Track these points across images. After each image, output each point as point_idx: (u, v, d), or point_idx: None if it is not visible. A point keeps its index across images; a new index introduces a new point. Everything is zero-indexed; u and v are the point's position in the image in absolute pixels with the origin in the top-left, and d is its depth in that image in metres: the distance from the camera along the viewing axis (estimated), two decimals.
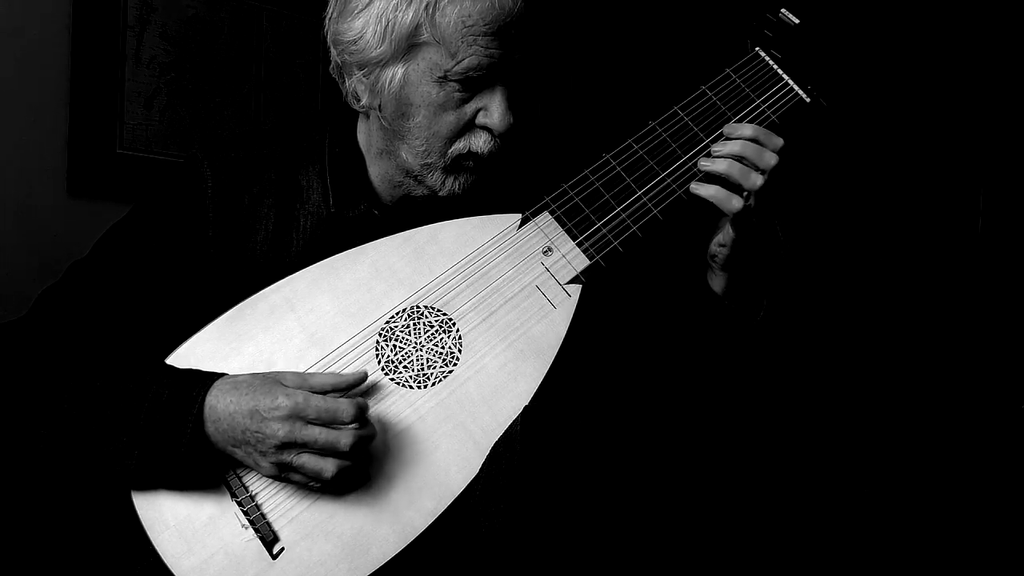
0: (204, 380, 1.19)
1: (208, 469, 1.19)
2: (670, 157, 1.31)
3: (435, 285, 1.27)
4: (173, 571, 1.17)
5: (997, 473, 2.51)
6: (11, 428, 1.23)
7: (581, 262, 1.29)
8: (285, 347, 1.24)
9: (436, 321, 1.26)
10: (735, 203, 1.24)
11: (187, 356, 1.24)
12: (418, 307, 1.27)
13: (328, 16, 1.32)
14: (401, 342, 1.25)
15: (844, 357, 2.63)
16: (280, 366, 1.23)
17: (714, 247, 1.31)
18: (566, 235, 1.29)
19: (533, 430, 1.21)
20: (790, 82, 1.35)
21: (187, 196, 1.34)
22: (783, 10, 1.36)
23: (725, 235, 1.29)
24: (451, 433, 1.21)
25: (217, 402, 1.17)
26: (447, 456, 1.20)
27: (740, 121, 1.32)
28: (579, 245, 1.29)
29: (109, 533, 1.27)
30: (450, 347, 1.25)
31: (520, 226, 1.31)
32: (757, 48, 1.37)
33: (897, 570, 2.47)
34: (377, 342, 1.25)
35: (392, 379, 1.23)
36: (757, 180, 1.24)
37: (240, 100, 2.30)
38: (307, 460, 1.15)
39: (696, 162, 1.29)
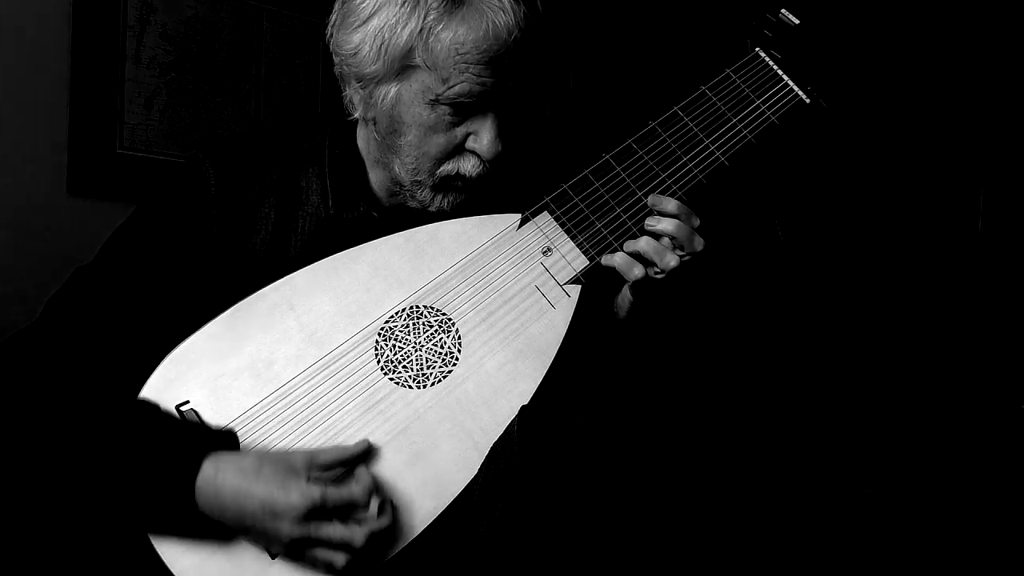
0: (196, 460, 1.14)
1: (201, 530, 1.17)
2: (669, 158, 1.31)
3: (434, 285, 1.28)
4: (172, 570, 1.17)
5: (997, 473, 2.51)
6: (19, 439, 1.22)
7: (580, 262, 1.29)
8: (284, 347, 1.24)
9: (435, 321, 1.26)
10: (636, 272, 1.26)
11: (186, 355, 1.24)
12: (417, 307, 1.27)
13: (331, 23, 1.32)
14: (400, 342, 1.25)
15: (844, 357, 2.63)
16: (279, 365, 1.23)
17: (618, 300, 1.33)
18: (565, 235, 1.30)
19: (532, 430, 1.21)
20: (790, 83, 1.35)
21: (191, 197, 1.34)
22: (783, 10, 1.36)
23: (623, 298, 1.31)
24: (450, 433, 1.21)
25: (222, 490, 1.13)
26: (446, 456, 1.20)
27: (741, 122, 1.33)
28: (579, 245, 1.29)
29: (109, 532, 1.27)
30: (449, 347, 1.25)
31: (520, 226, 1.31)
32: (757, 48, 1.37)
33: (897, 570, 2.46)
34: (376, 342, 1.25)
35: (391, 379, 1.23)
36: (671, 261, 1.24)
37: (240, 100, 2.30)
38: (320, 553, 1.13)
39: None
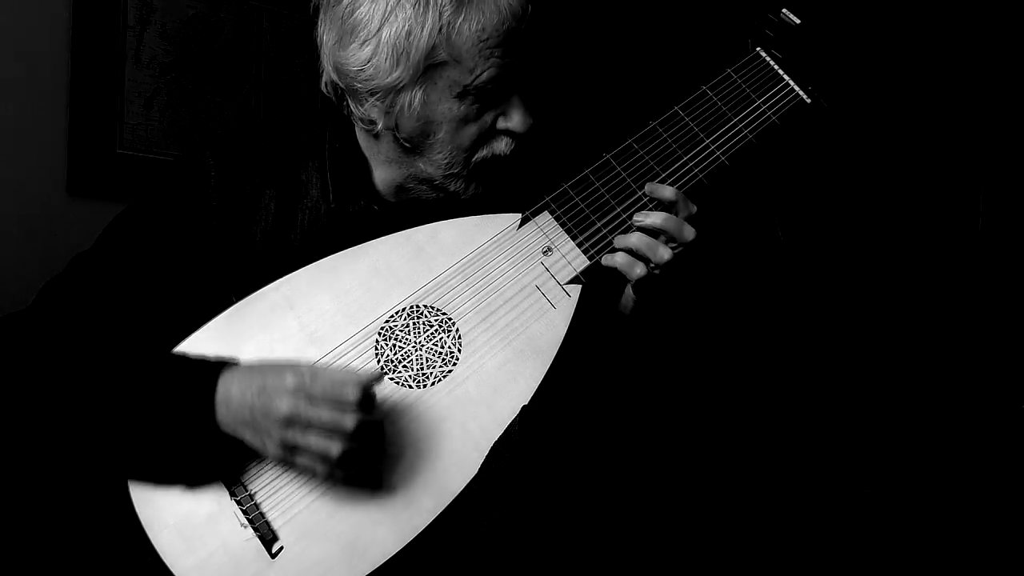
0: (219, 365, 1.20)
1: (221, 459, 1.19)
2: (670, 157, 1.31)
3: (435, 284, 1.27)
4: (172, 570, 1.17)
5: (997, 473, 2.51)
6: (18, 423, 1.23)
7: (581, 262, 1.29)
8: (284, 346, 1.24)
9: (436, 320, 1.26)
10: (637, 270, 1.26)
11: (186, 354, 1.24)
12: (418, 306, 1.27)
13: (323, 42, 1.30)
14: (401, 341, 1.25)
15: (844, 357, 2.63)
16: None
17: (623, 301, 1.33)
18: (566, 235, 1.30)
19: (532, 430, 1.21)
20: (791, 83, 1.35)
21: (191, 186, 1.34)
22: (784, 10, 1.36)
23: (627, 297, 1.31)
24: (450, 432, 1.21)
25: (231, 383, 1.17)
26: (446, 455, 1.20)
27: (742, 121, 1.33)
28: (579, 245, 1.29)
29: (109, 532, 1.27)
30: (449, 347, 1.25)
31: (520, 226, 1.31)
32: (758, 48, 1.37)
33: (897, 570, 2.46)
34: (377, 341, 1.25)
35: (391, 378, 1.23)
36: (664, 255, 1.25)
37: (240, 100, 2.29)
38: (313, 440, 1.14)
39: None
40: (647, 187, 1.29)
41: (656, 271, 1.26)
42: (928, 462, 2.57)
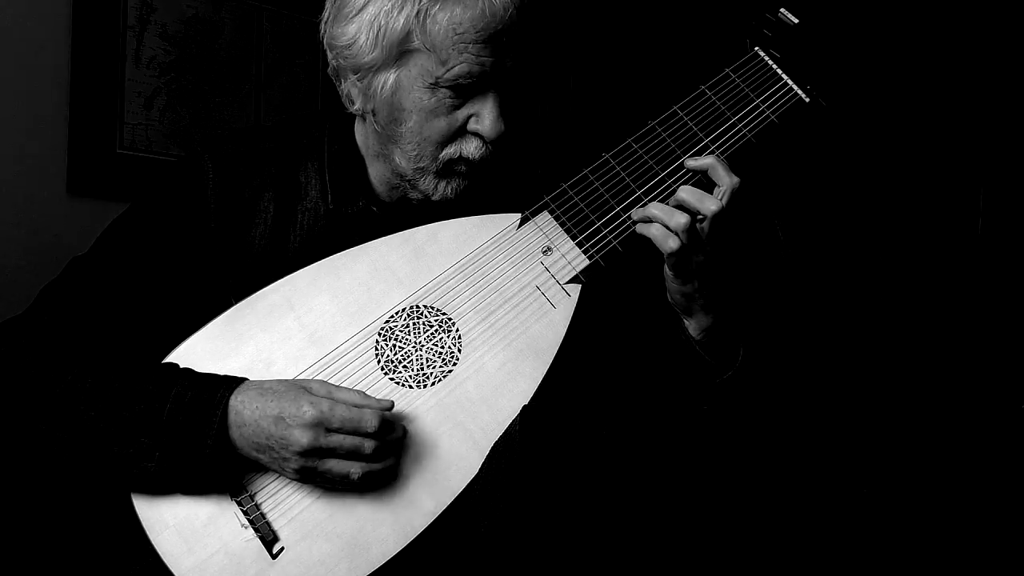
0: (229, 383, 1.19)
1: (228, 474, 1.19)
2: (669, 157, 1.31)
3: (435, 285, 1.28)
4: (173, 571, 1.17)
5: (997, 473, 2.51)
6: (16, 427, 1.23)
7: (581, 262, 1.29)
8: (284, 347, 1.24)
9: (435, 321, 1.26)
10: (671, 243, 1.23)
11: (186, 355, 1.24)
12: (417, 307, 1.27)
13: (324, 20, 1.32)
14: (401, 342, 1.25)
15: (844, 357, 2.63)
16: (279, 366, 1.23)
17: (668, 289, 1.32)
18: (566, 235, 1.29)
19: (532, 429, 1.21)
20: (789, 82, 1.35)
21: (189, 190, 1.34)
22: (782, 10, 1.36)
23: (667, 276, 1.29)
24: (450, 432, 1.21)
25: (243, 407, 1.17)
26: (446, 456, 1.20)
27: (740, 120, 1.33)
28: (579, 245, 1.29)
29: (109, 533, 1.27)
30: (449, 347, 1.25)
31: (520, 226, 1.31)
32: (756, 48, 1.37)
33: (897, 570, 2.46)
34: (376, 341, 1.25)
35: (391, 379, 1.23)
36: (681, 219, 1.23)
37: (240, 100, 2.30)
38: (333, 465, 1.16)
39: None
40: (687, 162, 1.28)
41: (684, 242, 1.23)
42: (928, 462, 2.57)
